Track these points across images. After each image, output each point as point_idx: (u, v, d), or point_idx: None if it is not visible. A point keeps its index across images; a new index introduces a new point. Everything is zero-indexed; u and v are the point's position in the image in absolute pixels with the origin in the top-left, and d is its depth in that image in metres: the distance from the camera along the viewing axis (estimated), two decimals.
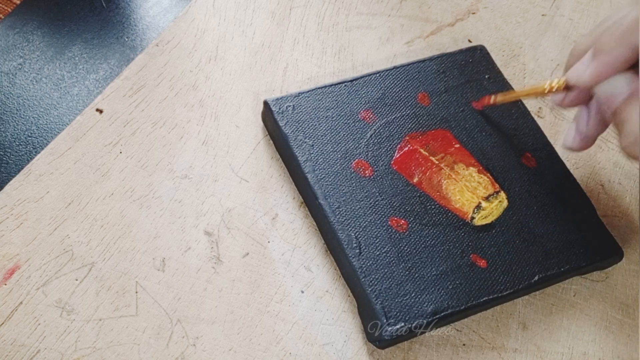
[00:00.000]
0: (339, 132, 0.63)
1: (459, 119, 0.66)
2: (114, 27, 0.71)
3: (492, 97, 0.65)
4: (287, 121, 0.62)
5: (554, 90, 0.59)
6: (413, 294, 0.56)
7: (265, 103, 0.63)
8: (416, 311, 0.56)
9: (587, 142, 0.59)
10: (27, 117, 0.64)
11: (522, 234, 0.61)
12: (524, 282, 0.59)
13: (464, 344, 0.59)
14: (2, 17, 0.70)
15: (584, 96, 0.58)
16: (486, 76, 0.68)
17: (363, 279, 0.56)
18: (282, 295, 0.58)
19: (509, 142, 0.65)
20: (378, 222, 0.59)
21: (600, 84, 0.54)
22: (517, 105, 0.68)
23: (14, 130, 0.64)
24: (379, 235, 0.59)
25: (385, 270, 0.57)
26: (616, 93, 0.53)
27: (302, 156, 0.61)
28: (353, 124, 0.63)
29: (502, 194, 0.62)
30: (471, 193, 0.61)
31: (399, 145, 0.63)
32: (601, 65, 0.54)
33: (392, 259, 0.58)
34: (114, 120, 0.64)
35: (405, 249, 0.58)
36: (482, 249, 0.59)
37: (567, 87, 0.57)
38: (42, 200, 0.59)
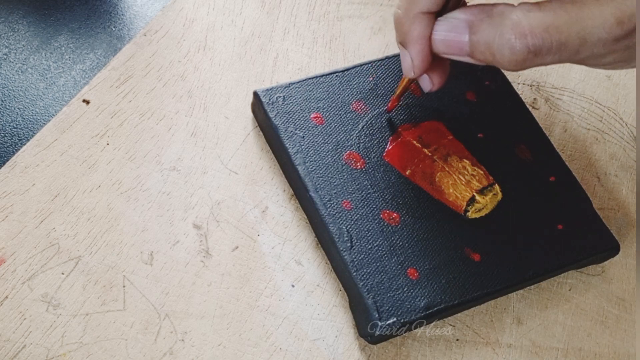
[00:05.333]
0: (330, 124, 0.62)
1: (452, 110, 0.65)
2: (101, 17, 0.70)
3: (391, 103, 0.64)
4: (278, 112, 0.62)
5: (412, 82, 0.61)
6: (405, 289, 0.56)
7: (255, 94, 0.63)
8: (409, 306, 0.55)
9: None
10: (13, 108, 0.64)
11: (516, 227, 0.60)
12: (519, 276, 0.58)
13: (457, 339, 0.58)
14: None
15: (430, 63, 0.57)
16: (480, 66, 0.68)
17: (354, 273, 0.56)
18: (272, 289, 0.58)
19: (503, 133, 0.65)
20: (370, 215, 0.58)
21: (436, 45, 0.54)
22: (512, 97, 0.67)
23: None
24: (370, 228, 0.58)
25: (377, 264, 0.57)
26: (458, 41, 0.53)
27: (293, 148, 0.60)
28: (344, 115, 0.63)
29: (497, 187, 0.61)
30: (465, 186, 0.60)
31: (391, 137, 0.62)
32: (414, 50, 0.54)
33: (384, 252, 0.57)
34: (101, 112, 0.63)
35: (398, 242, 0.58)
36: (476, 242, 0.59)
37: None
38: (27, 193, 0.59)
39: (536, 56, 0.49)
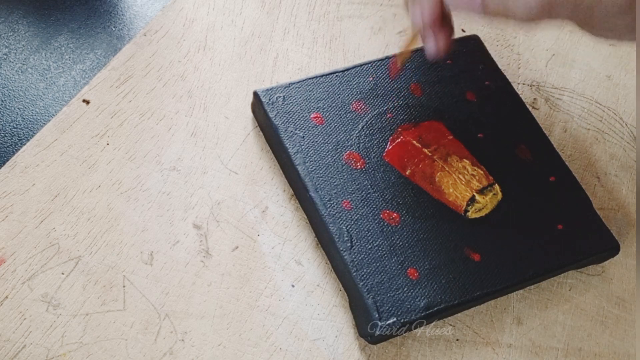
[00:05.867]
0: (330, 124, 0.62)
1: (452, 110, 0.65)
2: (101, 17, 0.70)
3: (395, 60, 0.64)
4: (278, 112, 0.62)
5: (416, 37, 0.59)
6: (405, 289, 0.56)
7: (255, 94, 0.63)
8: (409, 306, 0.55)
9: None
10: (13, 108, 0.64)
11: (516, 227, 0.60)
12: (519, 276, 0.58)
13: (457, 339, 0.58)
14: None
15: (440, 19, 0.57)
16: (480, 66, 0.68)
17: (354, 273, 0.56)
18: (272, 289, 0.58)
19: (503, 133, 0.65)
20: (370, 215, 0.58)
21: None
22: (512, 97, 0.67)
23: None
24: (370, 228, 0.58)
25: (377, 264, 0.56)
26: None
27: (293, 148, 0.60)
28: (345, 115, 0.63)
29: (496, 187, 0.61)
30: (465, 186, 0.60)
31: (391, 137, 0.62)
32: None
33: (384, 252, 0.57)
34: (101, 112, 0.63)
35: (398, 242, 0.58)
36: (476, 242, 0.59)
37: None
38: (27, 193, 0.59)
39: (551, 9, 0.48)
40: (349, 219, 0.58)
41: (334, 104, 0.63)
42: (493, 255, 0.59)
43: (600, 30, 0.52)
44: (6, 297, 0.55)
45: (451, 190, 0.60)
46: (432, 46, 0.57)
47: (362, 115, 0.63)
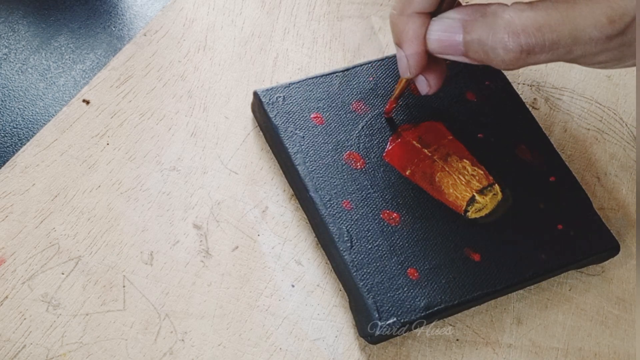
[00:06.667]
0: (330, 124, 0.62)
1: (452, 110, 0.65)
2: (101, 17, 0.70)
3: (389, 105, 0.64)
4: (277, 112, 0.62)
5: (410, 82, 0.60)
6: (405, 289, 0.56)
7: (255, 94, 0.63)
8: (409, 306, 0.55)
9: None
10: (13, 108, 0.64)
11: (516, 227, 0.60)
12: (519, 276, 0.58)
13: (457, 339, 0.58)
14: None
15: (427, 63, 0.57)
16: (479, 66, 0.68)
17: (354, 273, 0.56)
18: (272, 289, 0.58)
19: (503, 133, 0.65)
20: (370, 215, 0.58)
21: (430, 45, 0.54)
22: (512, 97, 0.67)
23: None
24: (370, 228, 0.58)
25: (377, 264, 0.56)
26: (452, 41, 0.53)
27: (293, 148, 0.60)
28: (345, 115, 0.63)
29: (496, 187, 0.61)
30: (465, 186, 0.60)
31: (391, 137, 0.62)
32: (409, 50, 0.55)
33: (384, 252, 0.57)
34: (101, 112, 0.63)
35: (398, 242, 0.58)
36: (476, 242, 0.59)
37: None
38: (27, 193, 0.59)
39: (529, 55, 0.49)
40: (349, 219, 0.58)
41: (334, 104, 0.63)
42: (493, 255, 0.59)
43: (587, 65, 0.52)
44: (6, 297, 0.55)
45: (451, 190, 0.60)
46: (425, 87, 0.59)
47: (362, 115, 0.63)
